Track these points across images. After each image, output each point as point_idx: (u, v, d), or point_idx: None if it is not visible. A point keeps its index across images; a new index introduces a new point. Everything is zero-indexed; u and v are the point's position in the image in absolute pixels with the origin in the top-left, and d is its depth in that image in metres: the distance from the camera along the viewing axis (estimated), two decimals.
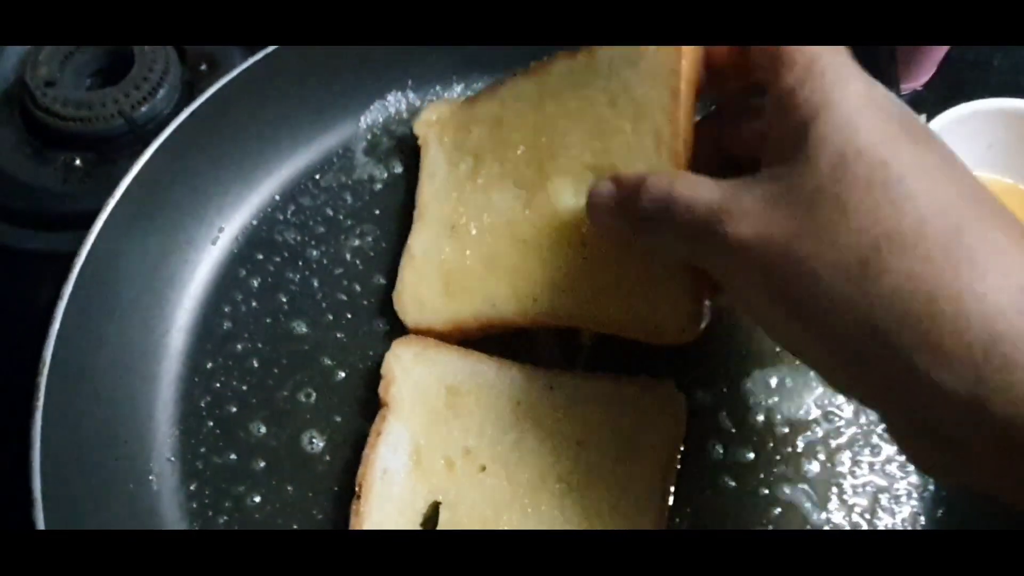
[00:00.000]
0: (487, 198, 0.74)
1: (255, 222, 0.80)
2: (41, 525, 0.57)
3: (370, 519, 0.64)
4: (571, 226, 0.70)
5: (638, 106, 0.67)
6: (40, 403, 0.61)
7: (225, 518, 0.67)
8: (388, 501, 0.65)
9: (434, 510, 0.66)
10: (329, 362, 0.74)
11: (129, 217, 0.72)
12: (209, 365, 0.73)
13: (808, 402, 0.72)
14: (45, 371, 0.63)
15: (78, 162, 0.98)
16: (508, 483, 0.67)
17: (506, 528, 0.65)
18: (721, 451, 0.70)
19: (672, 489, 0.67)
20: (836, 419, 0.72)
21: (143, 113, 0.98)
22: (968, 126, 0.85)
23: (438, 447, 0.68)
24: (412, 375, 0.70)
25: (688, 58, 0.65)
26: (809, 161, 0.50)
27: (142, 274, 0.73)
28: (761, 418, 0.72)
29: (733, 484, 0.69)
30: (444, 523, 0.65)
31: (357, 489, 0.65)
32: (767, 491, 0.69)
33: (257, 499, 0.68)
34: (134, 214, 0.72)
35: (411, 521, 0.65)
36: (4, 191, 0.94)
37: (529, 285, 0.71)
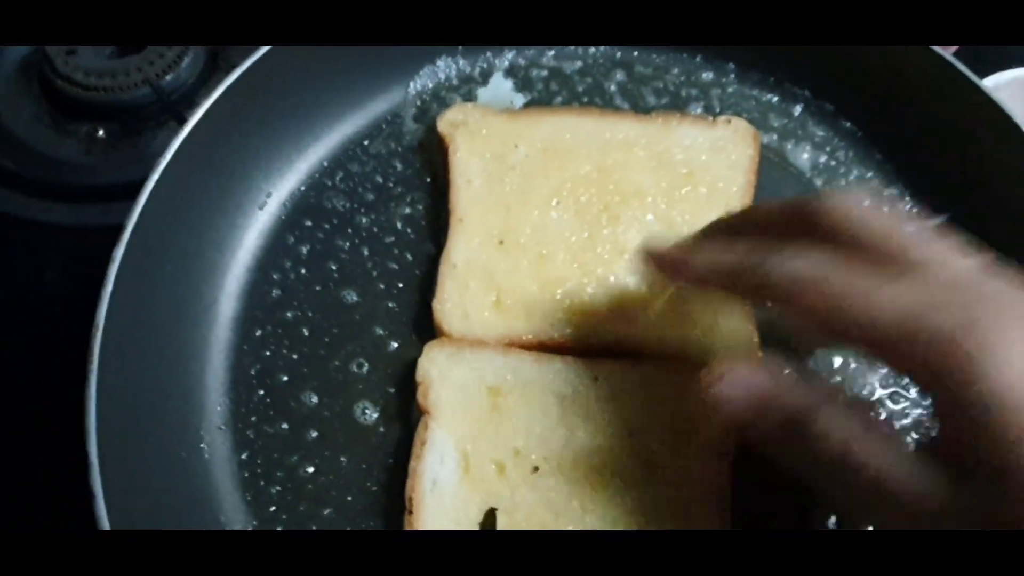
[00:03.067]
0: (543, 219, 0.74)
1: (303, 188, 0.78)
2: (98, 491, 0.56)
3: None
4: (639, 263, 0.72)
5: (714, 182, 0.76)
6: (94, 367, 0.60)
7: (278, 488, 0.66)
8: (441, 513, 0.63)
9: (490, 518, 0.64)
10: (381, 332, 0.72)
11: (177, 183, 0.69)
12: (259, 333, 0.72)
13: (873, 382, 0.71)
14: (99, 335, 0.61)
15: (101, 133, 0.96)
16: (564, 483, 0.65)
17: (567, 529, 0.63)
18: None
19: (732, 479, 0.66)
20: (902, 400, 0.70)
21: (168, 82, 0.96)
22: None
23: (486, 452, 0.66)
24: (450, 378, 0.68)
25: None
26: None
27: (191, 240, 0.72)
28: None
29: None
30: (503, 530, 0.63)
31: (408, 504, 0.63)
32: None
33: (310, 469, 0.67)
34: (182, 180, 0.70)
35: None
36: (24, 163, 0.93)
37: (592, 311, 0.71)
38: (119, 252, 0.64)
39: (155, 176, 0.68)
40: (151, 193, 0.67)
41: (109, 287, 0.63)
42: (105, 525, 0.55)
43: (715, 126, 0.79)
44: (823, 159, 0.81)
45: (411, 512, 0.63)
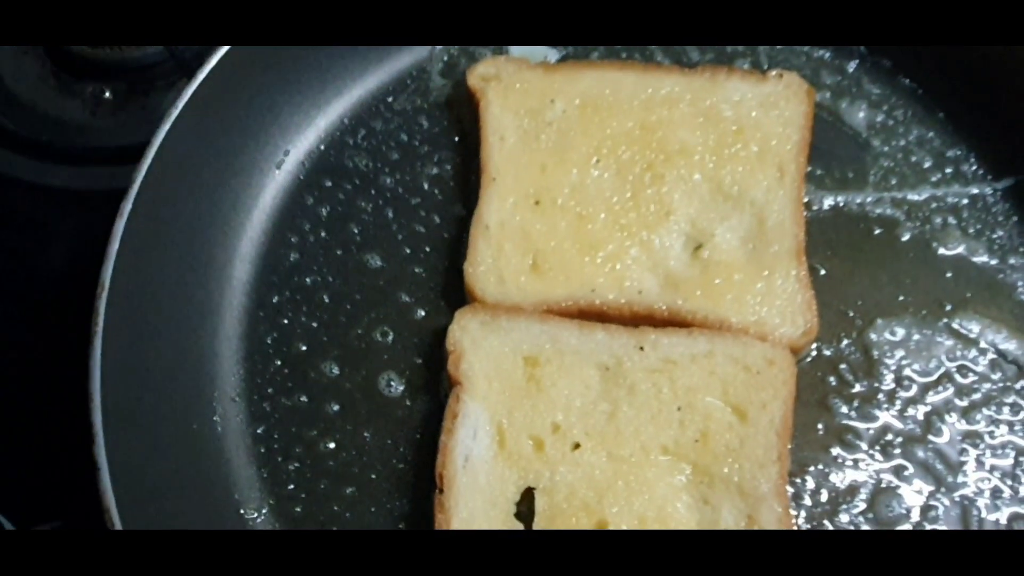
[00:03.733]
0: (582, 179, 0.70)
1: (322, 146, 0.73)
2: (103, 463, 0.51)
3: (457, 515, 0.57)
4: (685, 225, 0.67)
5: (766, 139, 0.71)
6: (99, 329, 0.55)
7: (296, 464, 0.61)
8: (475, 492, 0.58)
9: (528, 498, 0.59)
10: (407, 299, 0.67)
11: (187, 139, 0.65)
12: (275, 299, 0.67)
13: (939, 355, 0.65)
14: (104, 295, 0.56)
15: (107, 94, 0.90)
16: (607, 460, 0.59)
17: (612, 512, 0.58)
18: (844, 410, 0.63)
19: (790, 452, 0.61)
20: (970, 374, 0.65)
21: None
22: None
23: (523, 426, 0.61)
24: (483, 347, 0.62)
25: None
26: None
27: (203, 199, 0.67)
28: (887, 374, 0.64)
29: (859, 445, 0.62)
30: (541, 512, 0.58)
31: (438, 481, 0.58)
32: (897, 452, 0.62)
33: (331, 445, 0.62)
34: (192, 136, 0.65)
35: (504, 513, 0.58)
36: (28, 124, 0.87)
37: (634, 275, 0.66)
38: (126, 207, 0.59)
39: (163, 131, 0.63)
40: (159, 149, 0.62)
41: (115, 245, 0.58)
42: (110, 501, 0.50)
43: (765, 81, 0.73)
44: (880, 118, 0.75)
45: (442, 491, 0.57)
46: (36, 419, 0.71)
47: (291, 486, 0.60)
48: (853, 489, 0.61)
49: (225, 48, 0.66)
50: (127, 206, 0.59)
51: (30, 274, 0.83)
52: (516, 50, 0.78)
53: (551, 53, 0.78)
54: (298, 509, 0.60)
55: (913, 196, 0.72)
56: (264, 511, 0.60)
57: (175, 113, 0.63)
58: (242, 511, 0.59)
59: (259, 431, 0.62)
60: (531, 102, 0.72)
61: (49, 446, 0.69)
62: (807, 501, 0.61)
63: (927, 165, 0.73)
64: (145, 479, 0.54)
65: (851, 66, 0.77)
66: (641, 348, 0.63)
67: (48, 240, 0.84)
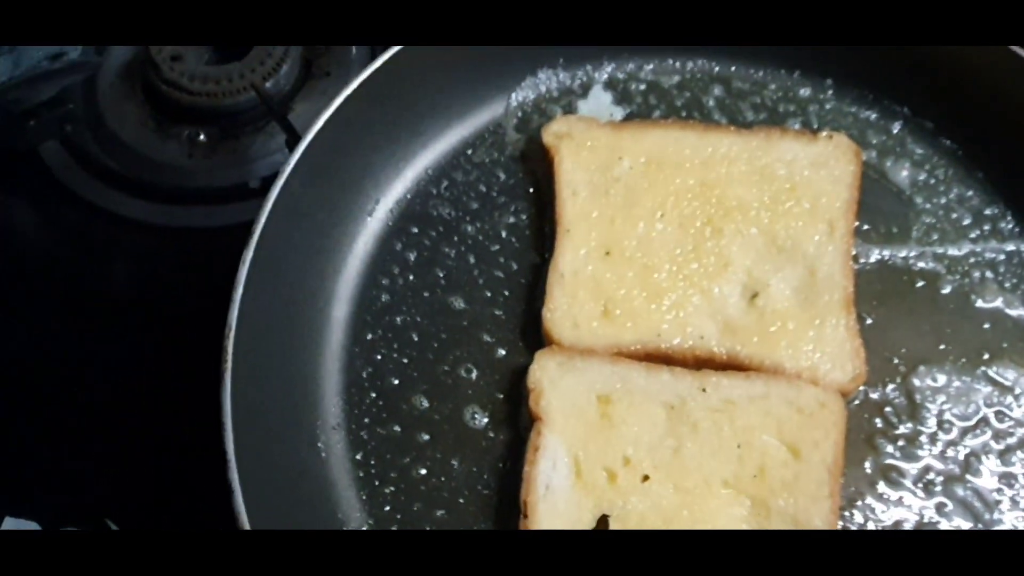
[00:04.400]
0: (647, 231, 0.76)
1: (409, 196, 0.80)
2: (236, 486, 0.58)
3: None
4: (742, 275, 0.74)
5: (817, 197, 0.77)
6: (228, 366, 0.62)
7: (391, 488, 0.68)
8: (555, 518, 0.65)
9: (603, 525, 0.65)
10: (489, 339, 0.74)
11: (295, 193, 0.71)
12: (369, 336, 0.74)
13: (977, 401, 0.71)
14: (232, 335, 0.63)
15: (202, 137, 0.98)
16: (674, 491, 0.66)
17: None
18: (889, 449, 0.69)
19: (840, 488, 0.67)
20: (1007, 419, 0.70)
21: (268, 88, 0.98)
22: None
23: (597, 459, 0.67)
24: (560, 386, 0.69)
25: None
26: None
27: (306, 244, 0.74)
28: (929, 417, 0.70)
29: (903, 483, 0.68)
30: None
31: (522, 507, 0.64)
32: (939, 490, 0.68)
33: (423, 471, 0.68)
34: (300, 188, 0.72)
35: None
36: (130, 165, 0.95)
37: (696, 321, 0.72)
38: (248, 255, 0.66)
39: (280, 183, 0.70)
40: (276, 199, 0.69)
41: (240, 289, 0.65)
42: (244, 519, 0.57)
43: (816, 141, 0.79)
44: (923, 177, 0.81)
45: (526, 516, 0.64)
46: (161, 445, 0.78)
47: (387, 507, 0.67)
48: (898, 523, 0.67)
49: (331, 108, 0.74)
50: (248, 254, 0.66)
51: (130, 301, 0.90)
52: (584, 107, 0.85)
53: (616, 111, 0.85)
54: (394, 528, 0.67)
55: (953, 251, 0.77)
56: (364, 530, 0.66)
57: (289, 167, 0.70)
58: (345, 528, 0.66)
59: (358, 457, 0.69)
60: (600, 159, 0.79)
61: (182, 474, 0.76)
62: None
63: (966, 222, 0.79)
64: (266, 500, 0.61)
65: (895, 127, 0.83)
66: (703, 389, 0.69)
67: (146, 272, 0.92)
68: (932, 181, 0.81)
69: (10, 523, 0.76)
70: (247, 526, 0.57)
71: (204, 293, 0.85)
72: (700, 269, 0.74)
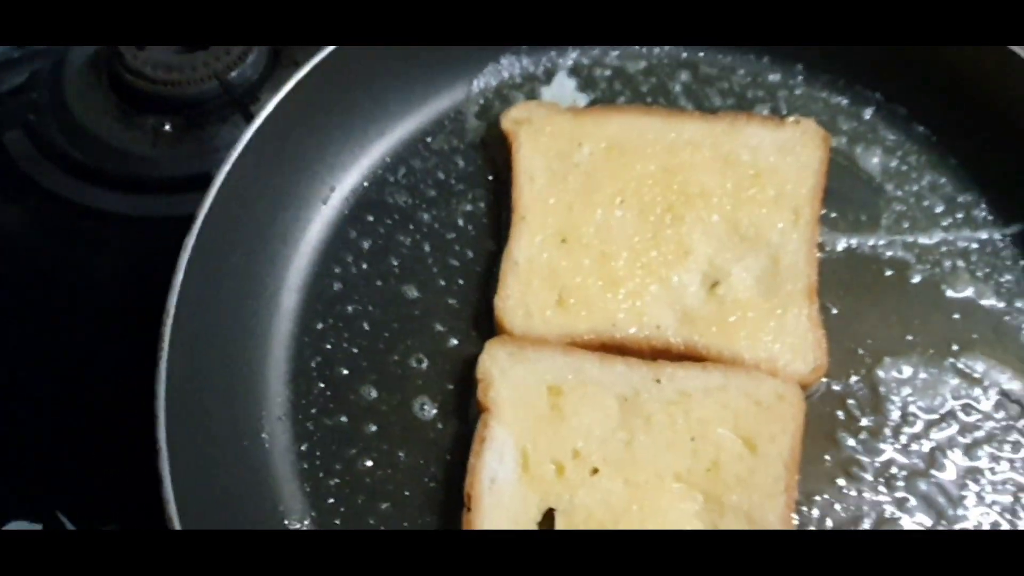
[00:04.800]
0: (606, 218, 0.74)
1: (366, 183, 0.78)
2: (166, 476, 0.57)
3: None
4: (702, 264, 0.72)
5: (782, 184, 0.75)
6: (164, 353, 0.61)
7: (336, 480, 0.66)
8: (499, 511, 0.63)
9: (549, 519, 0.63)
10: (441, 328, 0.72)
11: (245, 175, 0.70)
12: (319, 326, 0.72)
13: (944, 393, 0.68)
14: (169, 321, 0.62)
15: (167, 127, 0.97)
16: (623, 485, 0.64)
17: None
18: (851, 443, 0.67)
19: (797, 483, 0.64)
20: (974, 412, 0.68)
21: (234, 77, 0.97)
22: None
23: (546, 451, 0.65)
24: (510, 376, 0.67)
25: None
26: None
27: (256, 232, 0.72)
28: (894, 410, 0.68)
29: (864, 478, 0.65)
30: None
31: (466, 500, 0.63)
32: (901, 485, 0.65)
33: (368, 463, 0.67)
34: (250, 173, 0.71)
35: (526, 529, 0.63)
36: (95, 154, 0.94)
37: (653, 311, 0.70)
38: (190, 241, 0.65)
39: (225, 168, 0.69)
40: (221, 184, 0.68)
41: (180, 275, 0.64)
42: (172, 510, 0.56)
43: (783, 127, 0.77)
44: (894, 163, 0.79)
45: (469, 509, 0.62)
46: (99, 431, 0.77)
47: (331, 500, 0.66)
48: (857, 519, 0.64)
49: (282, 92, 0.72)
50: (190, 240, 0.65)
51: (93, 290, 0.89)
52: (547, 94, 0.83)
53: (580, 98, 0.83)
54: (337, 522, 0.65)
55: (924, 240, 0.75)
56: (306, 523, 0.65)
57: (236, 152, 0.69)
58: (286, 522, 0.64)
59: (303, 448, 0.67)
60: (560, 145, 0.77)
61: (110, 457, 0.75)
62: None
63: (938, 210, 0.76)
64: (200, 491, 0.59)
65: (867, 113, 0.81)
66: (658, 381, 0.67)
67: (109, 261, 0.91)
68: (904, 168, 0.79)
69: None
70: (175, 515, 0.55)
71: (159, 282, 0.84)
72: (659, 257, 0.72)
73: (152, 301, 0.83)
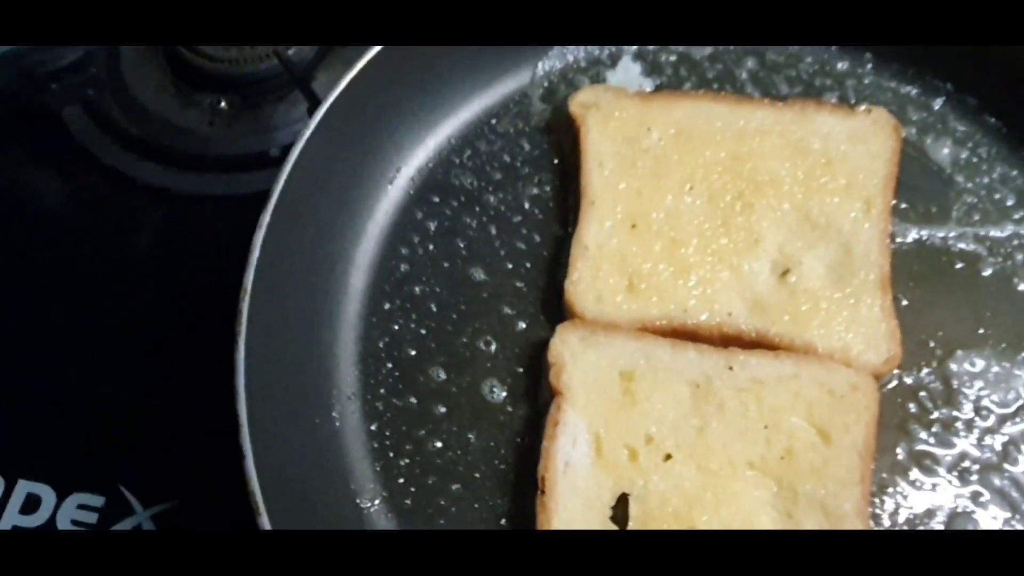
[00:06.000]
0: (676, 205, 0.73)
1: (431, 164, 0.78)
2: (248, 451, 0.57)
3: (557, 515, 0.62)
4: (773, 252, 0.71)
5: (853, 173, 0.74)
6: (243, 329, 0.61)
7: (406, 461, 0.66)
8: (573, 495, 0.63)
9: (623, 504, 0.63)
10: (509, 311, 0.72)
11: (314, 157, 0.70)
12: (387, 306, 0.72)
13: (1017, 387, 0.68)
14: (247, 298, 0.62)
15: (223, 104, 0.97)
16: (697, 472, 0.63)
17: (701, 520, 0.62)
18: (923, 436, 0.66)
19: (871, 474, 0.64)
20: None
21: (290, 56, 0.96)
22: None
23: (618, 436, 0.65)
24: (582, 360, 0.67)
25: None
26: None
27: (325, 210, 0.72)
28: (966, 403, 0.67)
29: (937, 471, 0.65)
30: (635, 517, 0.62)
31: (540, 484, 0.62)
32: (975, 479, 0.65)
33: (438, 444, 0.67)
34: (319, 154, 0.70)
35: (599, 515, 0.63)
36: (152, 131, 0.94)
37: (724, 298, 0.70)
38: (265, 218, 0.65)
39: (298, 147, 0.68)
40: (294, 164, 0.68)
41: (256, 252, 0.64)
42: (255, 484, 0.56)
43: (854, 115, 0.76)
44: (964, 155, 0.78)
45: (543, 492, 0.62)
46: (165, 408, 0.77)
47: (401, 480, 0.66)
48: (930, 512, 0.64)
49: (351, 74, 0.72)
50: (266, 217, 0.65)
51: (153, 265, 0.89)
52: (612, 78, 0.83)
53: (645, 83, 0.82)
54: (408, 502, 0.65)
55: (995, 232, 0.74)
56: (377, 502, 0.65)
57: (308, 132, 0.69)
58: (358, 500, 0.65)
59: (373, 428, 0.67)
60: (628, 130, 0.77)
61: (172, 434, 0.76)
62: (886, 522, 0.64)
63: (1010, 202, 0.75)
64: (278, 466, 0.60)
65: (937, 103, 0.80)
66: (730, 368, 0.67)
67: (167, 237, 0.91)
68: (975, 159, 0.78)
69: (24, 486, 0.76)
70: (257, 491, 0.56)
71: (222, 260, 0.84)
72: (729, 244, 0.72)
73: (212, 278, 0.84)
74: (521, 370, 0.70)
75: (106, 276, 0.86)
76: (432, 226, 0.76)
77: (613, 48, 0.83)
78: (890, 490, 0.65)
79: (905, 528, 0.64)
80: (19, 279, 0.86)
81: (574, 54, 0.83)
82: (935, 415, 0.67)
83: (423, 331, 0.71)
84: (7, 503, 0.75)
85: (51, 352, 0.81)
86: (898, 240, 0.74)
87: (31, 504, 0.75)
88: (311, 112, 0.84)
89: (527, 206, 0.76)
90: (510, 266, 0.74)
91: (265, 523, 0.55)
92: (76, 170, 0.92)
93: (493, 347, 0.71)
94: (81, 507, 0.75)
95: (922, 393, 0.68)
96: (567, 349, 0.67)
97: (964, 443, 0.66)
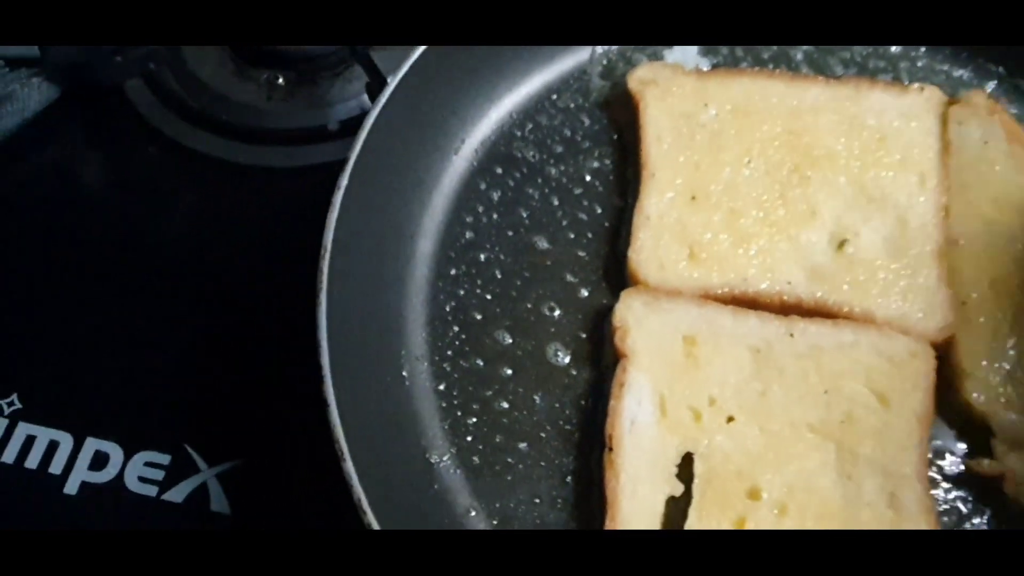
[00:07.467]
0: (733, 178, 0.75)
1: (494, 137, 0.80)
2: (332, 400, 0.59)
3: (624, 472, 0.63)
4: (830, 223, 0.73)
5: (908, 148, 0.76)
6: (323, 285, 0.63)
7: (474, 419, 0.68)
8: (639, 453, 0.64)
9: (688, 462, 0.64)
10: (572, 279, 0.74)
11: (385, 127, 0.72)
12: (453, 272, 0.74)
13: None
14: (327, 256, 0.64)
15: (280, 80, 0.99)
16: (759, 433, 0.65)
17: (764, 479, 0.63)
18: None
19: (929, 439, 0.66)
20: None
21: None
22: None
23: (682, 398, 0.67)
24: (646, 325, 0.68)
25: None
26: None
27: (395, 178, 0.74)
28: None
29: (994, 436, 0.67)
30: (700, 475, 0.64)
31: (608, 441, 0.64)
32: None
33: (505, 405, 0.69)
34: (391, 122, 0.72)
35: (664, 472, 0.64)
36: (211, 105, 0.96)
37: (783, 267, 0.71)
38: (343, 181, 0.67)
39: (373, 116, 0.70)
40: (368, 131, 0.70)
41: (335, 213, 0.65)
42: (339, 433, 0.58)
43: (907, 92, 0.78)
44: None
45: (611, 449, 0.64)
46: (244, 371, 0.79)
47: (469, 438, 0.67)
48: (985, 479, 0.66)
49: (420, 49, 0.74)
50: (344, 180, 0.67)
51: (208, 232, 0.91)
52: (670, 57, 0.84)
53: (702, 62, 0.84)
54: (475, 459, 0.67)
55: None
56: (446, 458, 0.67)
57: (381, 102, 0.71)
58: (428, 455, 0.66)
59: (441, 387, 0.69)
60: (686, 106, 0.79)
61: (237, 395, 0.78)
62: (944, 484, 0.66)
63: None
64: (356, 418, 0.61)
65: (989, 86, 0.82)
66: (791, 335, 0.68)
67: (223, 207, 0.93)
68: None
69: (92, 443, 0.78)
70: (342, 439, 0.57)
71: (284, 228, 0.86)
72: (787, 216, 0.73)
73: (276, 246, 0.86)
74: (584, 335, 0.71)
75: (168, 242, 0.88)
76: (495, 196, 0.78)
77: None
78: (948, 456, 0.66)
79: (958, 493, 0.66)
80: (84, 246, 0.88)
81: None
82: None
83: (488, 296, 0.73)
84: (76, 460, 0.77)
85: (119, 312, 0.83)
86: None
87: (99, 461, 0.77)
88: (370, 88, 0.86)
89: (588, 178, 0.78)
90: (572, 236, 0.76)
91: (350, 468, 0.56)
92: (137, 141, 0.94)
93: (557, 313, 0.72)
94: (148, 464, 0.77)
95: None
96: (631, 314, 0.69)
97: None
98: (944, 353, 0.68)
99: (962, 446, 0.67)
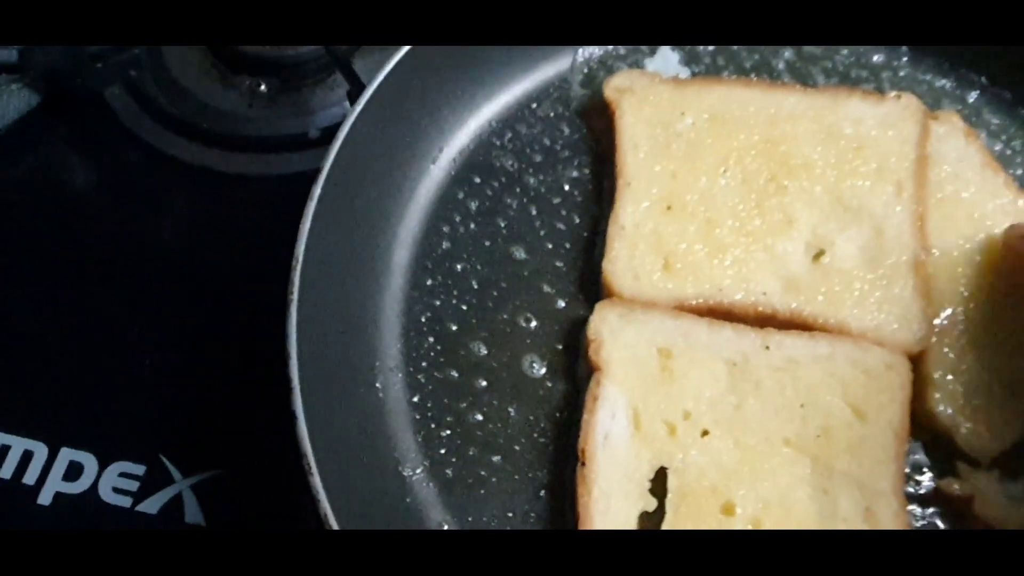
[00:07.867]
0: (710, 187, 0.75)
1: (472, 146, 0.80)
2: (300, 413, 0.58)
3: (597, 486, 0.63)
4: (806, 233, 0.72)
5: (885, 157, 0.75)
6: (295, 296, 0.62)
7: (448, 432, 0.67)
8: (613, 468, 0.64)
9: (661, 477, 0.64)
10: (549, 289, 0.73)
11: (361, 135, 0.71)
12: (429, 282, 0.74)
13: None
14: (299, 267, 0.63)
15: (263, 87, 0.99)
16: (734, 448, 0.65)
17: (738, 495, 0.63)
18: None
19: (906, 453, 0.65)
20: None
21: None
22: None
23: (656, 411, 0.66)
24: (620, 337, 0.68)
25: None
26: None
27: (371, 187, 0.74)
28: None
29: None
30: (674, 490, 0.63)
31: (580, 455, 0.64)
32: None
33: (479, 417, 0.68)
34: (366, 131, 0.72)
35: (638, 487, 0.64)
36: (192, 112, 0.96)
37: (759, 278, 0.71)
38: (316, 191, 0.66)
39: (348, 124, 0.70)
40: (343, 140, 0.69)
41: (308, 223, 0.65)
42: (307, 447, 0.57)
43: (884, 101, 0.77)
44: (998, 148, 0.79)
45: (584, 464, 0.63)
46: (218, 382, 0.79)
47: (443, 450, 0.67)
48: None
49: (398, 55, 0.73)
50: (316, 190, 0.66)
51: (187, 240, 0.90)
52: (651, 66, 0.84)
53: (683, 71, 0.83)
54: (449, 472, 0.66)
55: None
56: (419, 471, 0.66)
57: (356, 110, 0.70)
58: (400, 468, 0.66)
59: (415, 399, 0.69)
60: (663, 114, 0.78)
61: (213, 405, 0.77)
62: (917, 501, 0.65)
63: None
64: (325, 432, 0.61)
65: (971, 96, 0.81)
66: (767, 347, 0.68)
67: (203, 215, 0.92)
68: (1008, 152, 0.79)
69: (67, 453, 0.77)
70: (309, 452, 0.57)
71: (262, 237, 0.85)
72: (763, 225, 0.73)
73: (251, 255, 0.85)
74: (560, 347, 0.71)
75: (148, 250, 0.88)
76: (473, 205, 0.77)
77: None
78: (926, 472, 0.66)
79: (934, 509, 0.65)
80: (62, 253, 0.88)
81: None
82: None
83: (464, 307, 0.73)
84: (50, 470, 0.76)
85: (95, 321, 0.83)
86: None
87: (74, 471, 0.76)
88: (351, 95, 0.86)
89: (567, 188, 0.78)
90: (550, 246, 0.75)
91: (316, 483, 0.56)
92: (118, 148, 0.94)
93: (533, 324, 0.72)
94: (123, 475, 0.76)
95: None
96: (606, 326, 0.68)
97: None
98: (914, 363, 0.68)
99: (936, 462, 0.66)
